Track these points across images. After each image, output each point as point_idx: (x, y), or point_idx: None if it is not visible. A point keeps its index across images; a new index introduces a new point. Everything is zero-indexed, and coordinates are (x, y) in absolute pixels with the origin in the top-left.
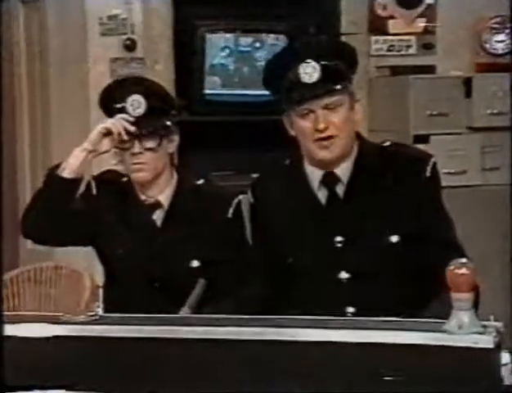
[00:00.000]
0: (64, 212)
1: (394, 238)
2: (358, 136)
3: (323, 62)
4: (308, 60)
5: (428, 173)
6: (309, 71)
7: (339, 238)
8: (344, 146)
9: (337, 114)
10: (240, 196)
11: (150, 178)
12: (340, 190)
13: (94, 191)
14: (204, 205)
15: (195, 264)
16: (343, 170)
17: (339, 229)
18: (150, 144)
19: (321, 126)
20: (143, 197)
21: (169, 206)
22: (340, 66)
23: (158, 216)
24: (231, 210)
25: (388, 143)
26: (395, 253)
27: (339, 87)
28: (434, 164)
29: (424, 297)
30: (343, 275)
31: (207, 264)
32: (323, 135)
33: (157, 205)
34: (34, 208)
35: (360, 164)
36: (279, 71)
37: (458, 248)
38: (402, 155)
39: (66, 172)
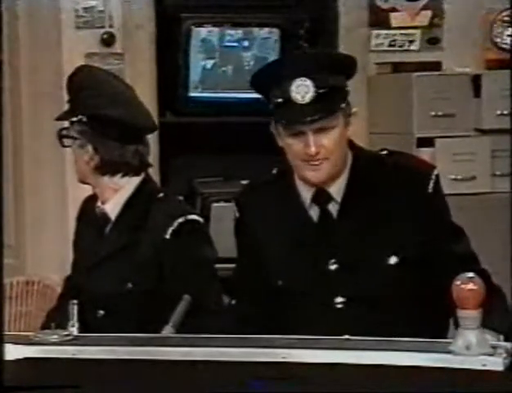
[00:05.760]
0: None
1: (393, 260)
2: (352, 145)
3: (318, 82)
4: (302, 78)
5: (430, 190)
6: (302, 90)
7: (333, 260)
8: (335, 166)
9: (329, 135)
10: (195, 217)
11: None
12: (333, 208)
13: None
14: (155, 219)
15: (129, 286)
16: (337, 188)
17: (332, 251)
18: None
19: (312, 151)
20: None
21: (116, 217)
22: (337, 84)
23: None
24: (169, 231)
25: (385, 152)
26: (395, 275)
27: (333, 110)
28: (437, 177)
29: (439, 319)
30: (339, 300)
31: (140, 287)
32: (313, 159)
33: (104, 216)
34: None
35: (354, 179)
36: (270, 82)
37: (474, 260)
38: (401, 169)
39: None
